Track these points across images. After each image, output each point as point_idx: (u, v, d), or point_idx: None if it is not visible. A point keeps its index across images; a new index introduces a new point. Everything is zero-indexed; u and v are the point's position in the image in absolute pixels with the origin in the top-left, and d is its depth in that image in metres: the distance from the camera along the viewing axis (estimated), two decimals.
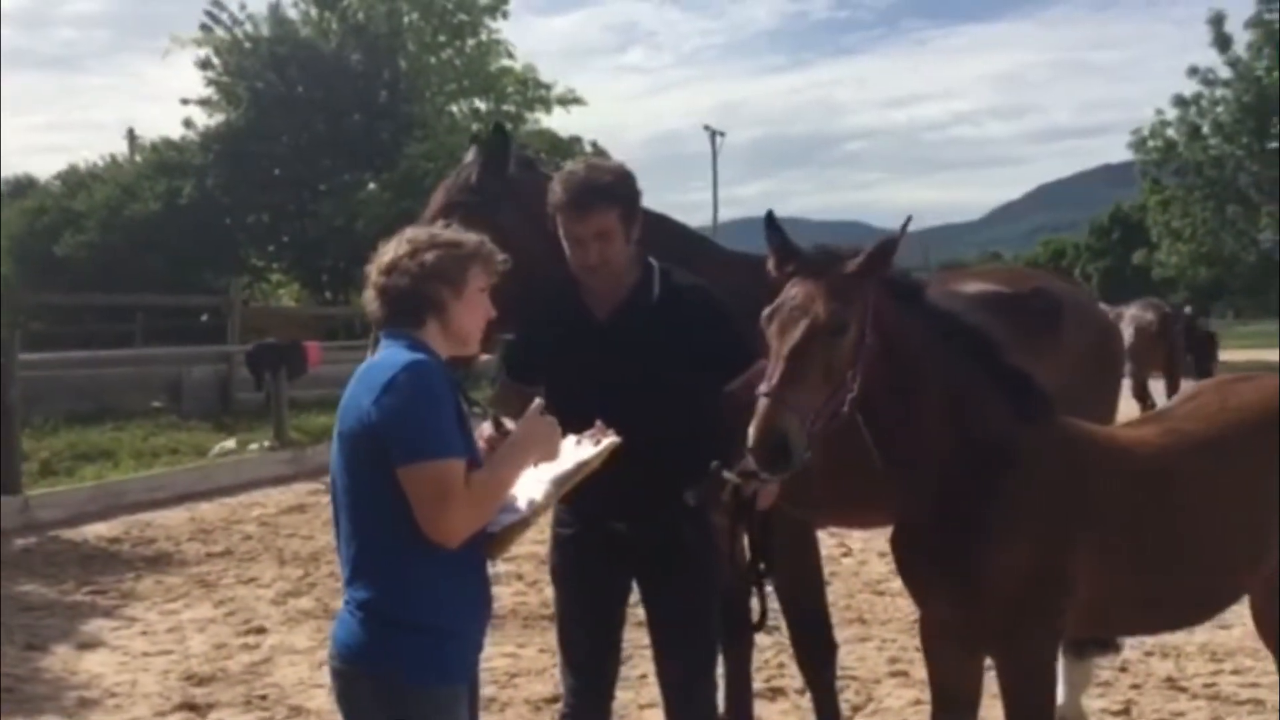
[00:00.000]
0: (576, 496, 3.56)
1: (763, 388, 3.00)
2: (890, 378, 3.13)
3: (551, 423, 2.89)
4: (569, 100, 32.88)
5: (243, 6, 29.74)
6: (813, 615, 4.35)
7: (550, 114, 32.41)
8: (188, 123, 30.53)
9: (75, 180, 31.55)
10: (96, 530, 9.92)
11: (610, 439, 2.99)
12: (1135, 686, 5.70)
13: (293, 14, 30.65)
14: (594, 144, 31.21)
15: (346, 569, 2.77)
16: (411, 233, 2.93)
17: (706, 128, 52.09)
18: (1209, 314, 40.66)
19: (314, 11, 30.90)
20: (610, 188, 3.46)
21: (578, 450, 2.97)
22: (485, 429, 3.12)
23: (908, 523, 3.39)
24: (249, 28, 29.89)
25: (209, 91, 30.03)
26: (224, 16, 29.63)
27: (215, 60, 29.82)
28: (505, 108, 32.36)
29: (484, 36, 32.45)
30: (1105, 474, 3.33)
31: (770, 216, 3.21)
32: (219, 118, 30.07)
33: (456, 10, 31.78)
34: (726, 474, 3.18)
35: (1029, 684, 3.28)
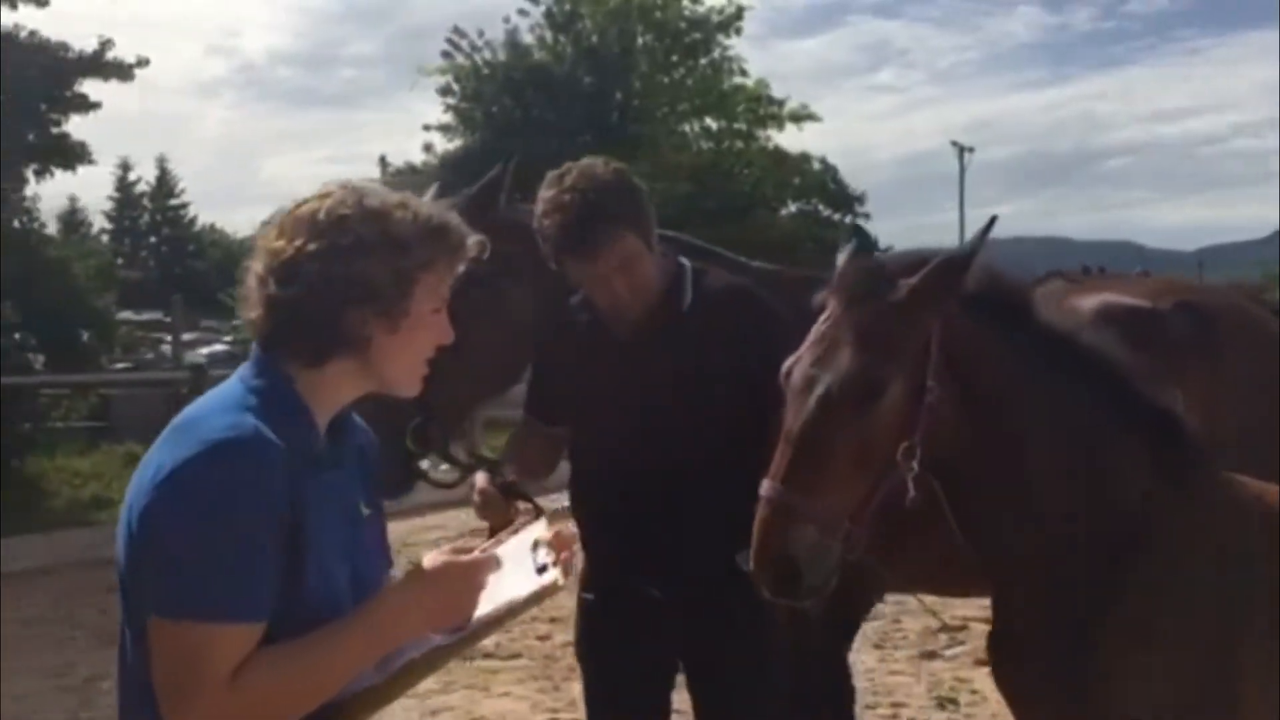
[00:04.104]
0: (600, 552, 2.93)
1: (764, 486, 2.18)
2: (974, 434, 2.27)
3: (473, 576, 1.81)
4: (802, 116, 32.12)
5: (481, 34, 30.64)
6: None
7: (782, 130, 31.76)
8: (427, 147, 31.64)
9: None
10: None
11: (553, 573, 1.82)
12: None
13: (528, 39, 31.30)
14: (822, 160, 30.38)
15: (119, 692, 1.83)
16: (342, 196, 1.82)
17: (954, 144, 49.95)
18: None
19: (549, 35, 31.44)
20: (614, 210, 2.75)
21: (516, 562, 1.86)
22: (480, 480, 2.67)
23: (1007, 629, 2.49)
24: (487, 54, 30.70)
25: (448, 118, 31.03)
26: (464, 44, 30.60)
27: (455, 87, 30.77)
28: (736, 125, 31.99)
29: (716, 54, 32.22)
30: None
31: (856, 227, 2.35)
32: (458, 142, 30.98)
33: (690, 29, 31.72)
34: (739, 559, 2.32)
35: None
